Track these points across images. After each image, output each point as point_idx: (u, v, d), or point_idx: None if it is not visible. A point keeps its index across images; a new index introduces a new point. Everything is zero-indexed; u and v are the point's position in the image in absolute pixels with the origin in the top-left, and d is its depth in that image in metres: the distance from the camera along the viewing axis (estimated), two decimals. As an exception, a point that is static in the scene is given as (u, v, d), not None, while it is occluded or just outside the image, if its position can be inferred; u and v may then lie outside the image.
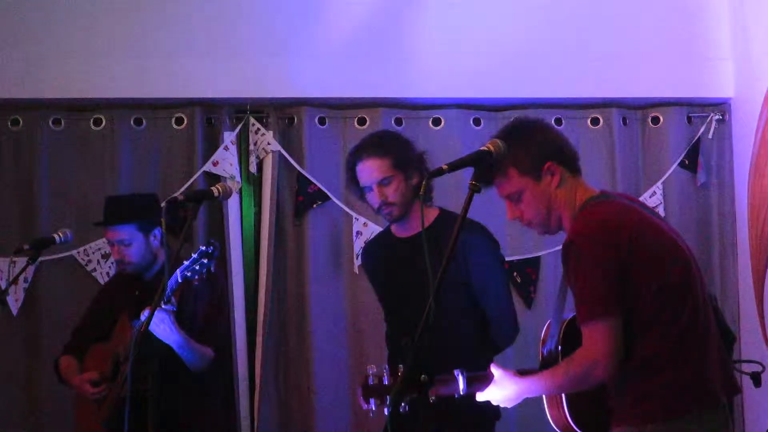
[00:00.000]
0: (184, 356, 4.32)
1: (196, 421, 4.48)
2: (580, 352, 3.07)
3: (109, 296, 4.69)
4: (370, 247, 4.44)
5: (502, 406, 3.26)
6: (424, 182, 3.19)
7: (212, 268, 4.01)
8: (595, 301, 3.02)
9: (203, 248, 4.00)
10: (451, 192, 5.02)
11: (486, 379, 3.22)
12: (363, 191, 4.10)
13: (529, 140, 3.19)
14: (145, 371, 3.97)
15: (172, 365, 4.31)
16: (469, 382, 3.19)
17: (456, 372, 3.19)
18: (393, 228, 4.20)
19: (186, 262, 4.02)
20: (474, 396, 3.24)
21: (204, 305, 4.41)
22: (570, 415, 3.18)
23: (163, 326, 4.18)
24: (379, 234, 4.38)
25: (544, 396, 3.25)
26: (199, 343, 4.36)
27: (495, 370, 3.23)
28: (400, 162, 4.00)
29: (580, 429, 3.19)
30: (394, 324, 4.22)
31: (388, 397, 3.14)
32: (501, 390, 3.21)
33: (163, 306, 4.11)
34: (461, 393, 3.19)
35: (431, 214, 4.09)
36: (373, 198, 4.06)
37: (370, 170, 4.02)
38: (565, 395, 3.18)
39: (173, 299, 4.16)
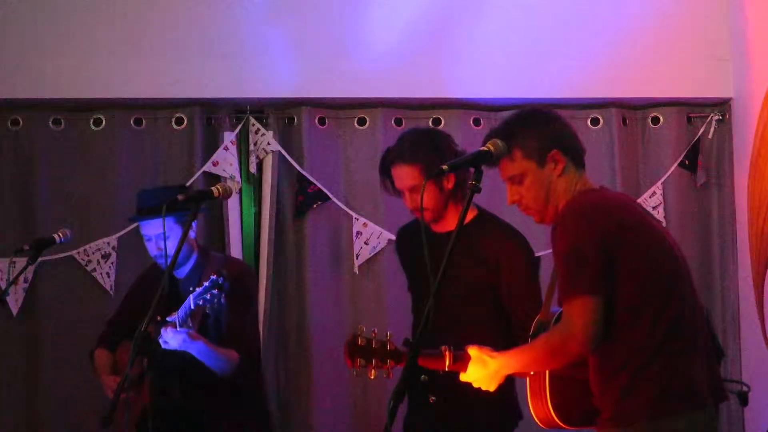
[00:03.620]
0: (206, 362, 4.28)
1: (228, 427, 4.47)
2: (559, 326, 3.09)
3: (144, 289, 4.60)
4: (405, 233, 4.36)
5: (484, 387, 3.25)
6: (425, 183, 3.20)
7: (222, 300, 4.04)
8: (577, 278, 3.03)
9: (214, 278, 4.02)
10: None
11: (469, 360, 3.23)
12: (399, 192, 4.10)
13: (539, 126, 3.24)
14: (168, 383, 3.98)
15: (198, 374, 4.29)
16: (455, 359, 3.21)
17: (444, 348, 3.20)
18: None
19: (198, 289, 4.05)
20: (458, 376, 3.25)
21: (226, 309, 4.37)
22: (553, 407, 3.18)
23: (179, 340, 4.17)
24: (415, 221, 4.28)
25: (528, 388, 3.24)
26: (224, 346, 4.32)
27: (471, 349, 3.22)
28: (431, 169, 3.92)
29: (561, 420, 3.19)
30: (418, 316, 4.19)
31: (374, 359, 3.18)
32: (480, 369, 3.20)
33: (178, 328, 4.13)
34: (446, 369, 3.21)
35: (469, 215, 4.04)
36: (407, 202, 4.06)
37: (401, 177, 4.02)
38: (549, 387, 3.18)
39: (190, 322, 4.15)
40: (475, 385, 3.24)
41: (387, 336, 3.24)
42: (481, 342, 3.64)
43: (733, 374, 5.35)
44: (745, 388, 3.44)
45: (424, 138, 4.13)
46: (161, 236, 4.38)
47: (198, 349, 4.23)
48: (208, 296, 4.03)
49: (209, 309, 4.07)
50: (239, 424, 4.47)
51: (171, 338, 4.14)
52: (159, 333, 4.18)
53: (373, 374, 3.20)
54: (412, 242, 4.21)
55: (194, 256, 4.48)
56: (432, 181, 3.92)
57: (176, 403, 4.30)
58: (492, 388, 3.25)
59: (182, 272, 4.47)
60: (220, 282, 4.02)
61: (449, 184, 3.99)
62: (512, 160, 3.21)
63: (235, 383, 4.39)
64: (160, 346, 4.07)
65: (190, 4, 5.39)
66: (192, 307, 4.08)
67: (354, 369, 3.20)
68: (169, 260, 4.38)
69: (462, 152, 4.07)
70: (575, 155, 3.25)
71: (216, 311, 4.20)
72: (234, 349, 4.35)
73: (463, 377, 3.23)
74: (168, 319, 4.18)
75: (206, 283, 4.04)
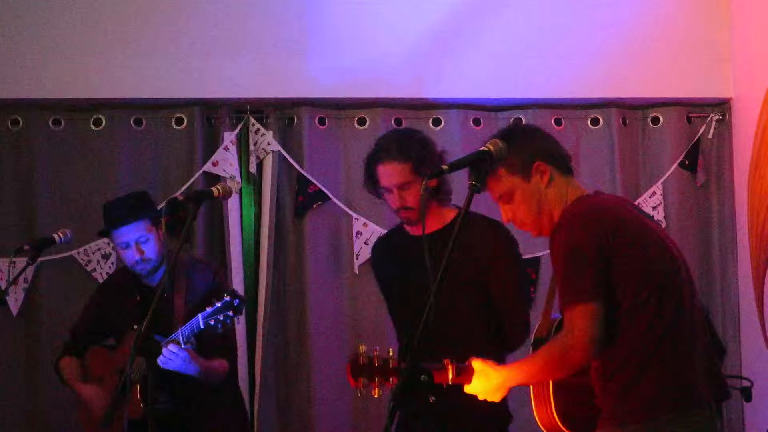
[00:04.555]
0: (202, 380, 4.28)
1: (213, 428, 4.48)
2: (561, 335, 3.09)
3: (110, 297, 4.64)
4: (381, 244, 4.37)
5: (489, 399, 3.25)
6: (424, 183, 3.21)
7: (237, 321, 4.02)
8: (577, 285, 3.03)
9: (228, 299, 4.01)
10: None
11: (473, 371, 3.23)
12: (381, 191, 4.08)
13: (518, 141, 3.23)
14: (156, 390, 4.00)
15: (184, 381, 4.28)
16: (458, 372, 3.21)
17: (446, 361, 3.20)
18: (407, 226, 4.18)
19: (209, 309, 4.03)
20: (463, 388, 3.25)
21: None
22: (557, 413, 3.19)
23: (179, 361, 4.16)
24: (392, 231, 4.31)
25: (532, 394, 3.25)
26: (213, 356, 4.32)
27: (475, 362, 3.22)
28: (420, 166, 3.96)
29: (565, 427, 3.20)
30: (399, 322, 4.20)
31: (377, 378, 3.18)
32: (484, 381, 3.20)
33: (182, 345, 4.11)
34: (450, 382, 3.20)
35: (449, 215, 4.05)
36: (393, 200, 4.03)
37: (390, 174, 3.99)
38: (553, 393, 3.18)
39: (193, 340, 4.13)
40: (481, 397, 3.24)
41: (389, 353, 3.25)
42: (473, 339, 3.66)
43: (733, 373, 5.35)
44: (747, 383, 3.44)
45: (410, 136, 4.13)
46: (141, 240, 4.39)
47: (195, 370, 4.22)
48: (221, 317, 4.01)
49: (222, 329, 4.05)
50: (223, 425, 4.49)
51: (172, 358, 4.12)
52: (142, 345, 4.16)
53: (376, 393, 3.21)
54: (392, 251, 4.23)
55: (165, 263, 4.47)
56: (419, 178, 3.94)
57: (165, 409, 4.30)
58: (497, 399, 3.25)
59: (155, 279, 4.46)
60: (235, 304, 4.01)
61: (433, 182, 3.99)
62: (498, 179, 3.22)
63: (220, 387, 4.41)
64: (161, 347, 4.08)
65: (191, 5, 5.39)
66: (202, 326, 4.05)
67: (357, 389, 3.21)
68: (151, 265, 4.40)
69: (443, 153, 4.10)
70: (559, 162, 3.26)
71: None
72: (223, 357, 4.36)
73: (468, 389, 3.23)
74: (173, 336, 4.15)
75: (218, 304, 4.01)
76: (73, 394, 4.63)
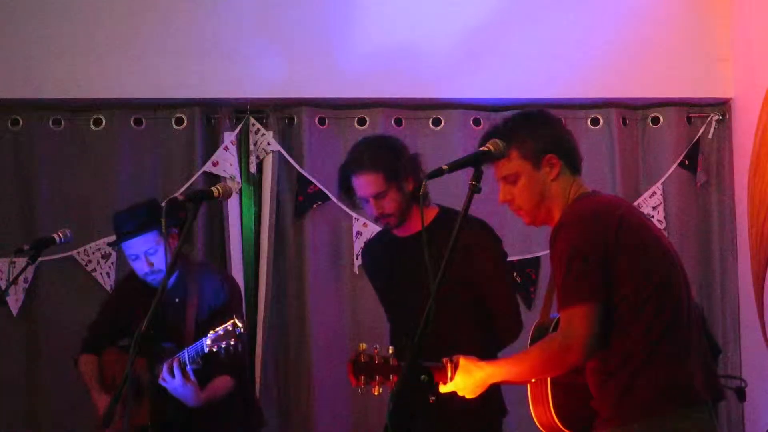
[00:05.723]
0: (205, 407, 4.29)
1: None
2: (557, 334, 3.08)
3: (126, 297, 4.61)
4: (371, 246, 4.45)
5: (467, 396, 3.23)
6: (424, 183, 3.21)
7: (239, 347, 4.04)
8: (576, 285, 3.03)
9: (230, 327, 4.02)
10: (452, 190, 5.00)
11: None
12: (358, 200, 4.13)
13: (539, 128, 3.24)
14: (163, 399, 4.02)
15: None
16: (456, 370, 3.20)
17: (446, 360, 3.20)
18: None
19: (212, 333, 4.04)
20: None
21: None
22: (555, 412, 3.18)
23: (183, 392, 4.17)
24: (380, 233, 4.39)
25: (529, 394, 3.24)
26: (218, 372, 4.32)
27: (461, 359, 3.20)
28: (393, 174, 4.02)
29: (564, 426, 3.19)
30: (395, 324, 4.22)
31: (377, 376, 3.17)
32: (465, 377, 3.19)
33: (188, 364, 4.13)
34: (450, 380, 3.21)
35: (430, 214, 4.10)
36: (370, 209, 4.10)
37: (364, 185, 4.04)
38: (551, 393, 3.18)
39: (198, 360, 4.14)
40: (460, 393, 3.22)
41: (389, 351, 3.25)
42: (462, 337, 3.65)
43: (733, 373, 5.35)
44: (742, 384, 3.44)
45: (381, 145, 4.16)
46: (149, 252, 4.38)
47: (198, 403, 4.21)
48: (223, 344, 4.02)
49: (224, 354, 4.06)
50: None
51: (178, 386, 4.13)
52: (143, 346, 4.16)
53: (377, 391, 3.21)
54: (380, 252, 4.27)
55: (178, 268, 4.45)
56: (396, 186, 4.00)
57: (172, 418, 4.29)
58: (473, 395, 3.22)
59: (168, 283, 4.44)
60: (237, 333, 4.02)
61: (409, 186, 4.03)
62: (509, 160, 3.21)
63: (228, 400, 4.40)
64: (161, 346, 4.06)
65: (190, 5, 5.39)
66: (206, 350, 4.06)
67: (358, 387, 3.21)
68: (162, 275, 4.37)
69: (416, 156, 4.12)
70: (571, 160, 3.25)
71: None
72: (227, 372, 4.36)
73: (445, 388, 3.21)
74: (179, 355, 4.16)
75: (220, 330, 4.03)
76: (89, 397, 4.62)
